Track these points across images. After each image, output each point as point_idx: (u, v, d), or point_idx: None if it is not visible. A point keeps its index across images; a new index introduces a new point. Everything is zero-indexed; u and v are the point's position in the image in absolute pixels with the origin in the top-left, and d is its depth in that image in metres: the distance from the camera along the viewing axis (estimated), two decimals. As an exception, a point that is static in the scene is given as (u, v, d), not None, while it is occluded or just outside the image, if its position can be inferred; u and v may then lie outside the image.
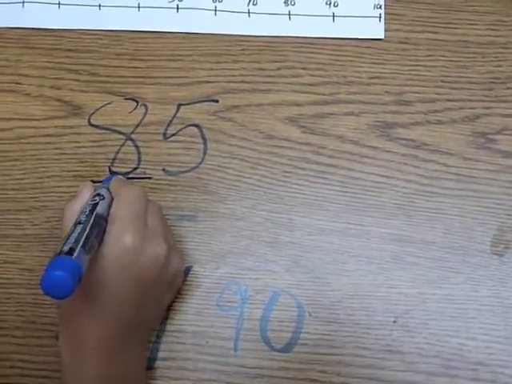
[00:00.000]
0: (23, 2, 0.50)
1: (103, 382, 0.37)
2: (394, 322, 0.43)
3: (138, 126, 0.48)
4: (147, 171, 0.47)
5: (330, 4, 0.49)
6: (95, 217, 0.36)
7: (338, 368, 0.42)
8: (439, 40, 0.48)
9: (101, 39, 0.50)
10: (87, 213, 0.37)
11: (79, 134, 0.48)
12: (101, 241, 0.37)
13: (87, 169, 0.47)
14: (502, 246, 0.44)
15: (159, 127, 0.48)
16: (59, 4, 0.50)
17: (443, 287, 0.43)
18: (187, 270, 0.44)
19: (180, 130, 0.48)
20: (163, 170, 0.47)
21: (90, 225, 0.36)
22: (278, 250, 0.45)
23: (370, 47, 0.48)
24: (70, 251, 0.33)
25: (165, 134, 0.48)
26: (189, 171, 0.47)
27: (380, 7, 0.49)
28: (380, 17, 0.49)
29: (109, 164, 0.47)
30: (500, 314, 0.43)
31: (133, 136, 0.47)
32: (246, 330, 0.43)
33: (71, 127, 0.48)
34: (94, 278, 0.36)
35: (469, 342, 0.42)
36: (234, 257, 0.45)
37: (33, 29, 0.50)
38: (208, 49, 0.49)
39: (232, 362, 0.43)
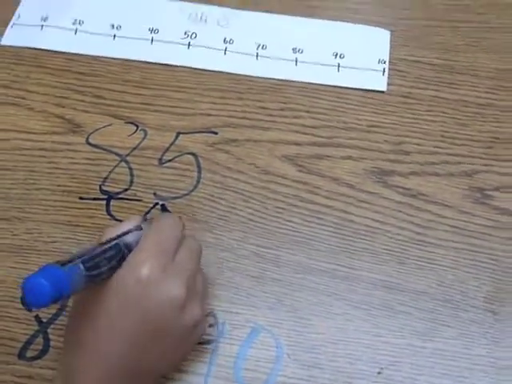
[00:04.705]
0: (42, 26, 0.52)
1: None
2: (379, 373, 0.40)
3: (134, 149, 0.48)
4: (138, 194, 0.46)
5: (336, 55, 0.51)
6: (119, 243, 0.34)
7: (314, 418, 0.39)
8: (440, 98, 0.49)
9: (111, 65, 0.51)
10: (113, 236, 0.35)
11: (75, 151, 0.47)
12: (114, 267, 0.34)
13: (78, 185, 0.46)
14: (497, 303, 0.42)
15: (156, 152, 0.47)
16: (76, 30, 0.52)
17: (434, 341, 0.41)
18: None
19: (176, 156, 0.47)
20: (154, 193, 0.46)
21: (105, 246, 0.34)
22: (263, 286, 0.42)
23: (372, 98, 0.49)
24: (67, 262, 0.31)
25: (160, 159, 0.47)
26: (179, 198, 0.46)
27: (384, 62, 0.50)
28: (384, 71, 0.50)
29: (100, 182, 0.46)
30: (493, 375, 0.40)
31: (128, 158, 0.47)
32: (219, 367, 0.40)
33: (68, 144, 0.48)
34: (96, 305, 0.33)
35: (458, 403, 0.39)
36: (216, 288, 0.42)
37: (47, 50, 0.51)
38: (214, 84, 0.50)
39: (200, 400, 0.39)
